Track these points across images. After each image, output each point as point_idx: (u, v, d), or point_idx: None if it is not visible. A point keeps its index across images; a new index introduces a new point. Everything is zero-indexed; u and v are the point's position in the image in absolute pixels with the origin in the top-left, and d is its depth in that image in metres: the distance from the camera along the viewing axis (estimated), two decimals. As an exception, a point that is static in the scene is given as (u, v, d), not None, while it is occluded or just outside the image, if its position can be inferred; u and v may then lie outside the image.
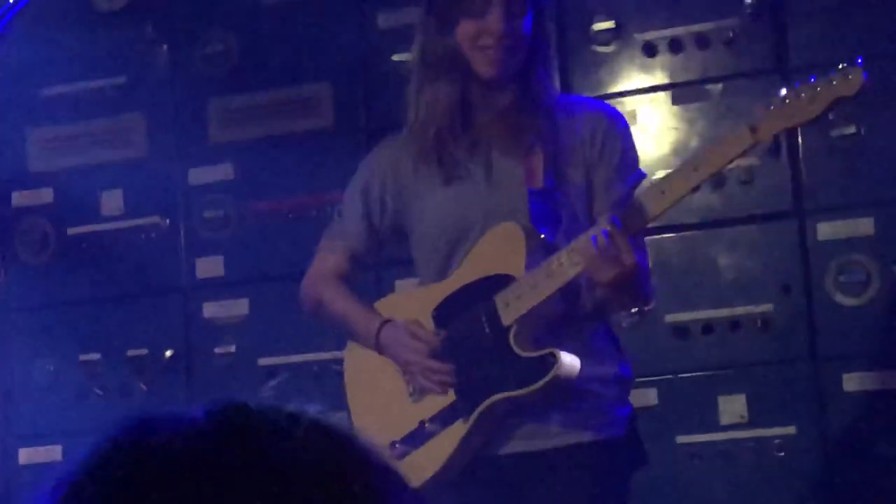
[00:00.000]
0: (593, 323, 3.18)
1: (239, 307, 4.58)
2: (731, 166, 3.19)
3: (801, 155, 4.09)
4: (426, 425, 3.17)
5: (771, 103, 2.93)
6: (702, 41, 4.21)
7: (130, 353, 4.65)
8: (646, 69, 4.28)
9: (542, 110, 3.19)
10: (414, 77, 3.26)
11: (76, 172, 4.79)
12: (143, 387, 4.63)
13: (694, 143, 4.15)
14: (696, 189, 3.06)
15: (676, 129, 4.19)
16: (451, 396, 3.14)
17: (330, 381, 4.45)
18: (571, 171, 3.17)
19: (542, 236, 3.10)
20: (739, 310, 4.09)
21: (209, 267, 4.63)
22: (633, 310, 3.16)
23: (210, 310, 4.61)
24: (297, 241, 4.51)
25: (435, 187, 3.21)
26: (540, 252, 3.08)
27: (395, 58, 4.46)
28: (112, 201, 4.77)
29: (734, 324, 4.09)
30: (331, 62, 4.54)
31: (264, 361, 4.53)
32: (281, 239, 4.54)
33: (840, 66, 2.91)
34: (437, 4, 3.20)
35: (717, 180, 4.10)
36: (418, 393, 3.20)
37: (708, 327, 4.10)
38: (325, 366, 4.45)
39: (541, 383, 3.00)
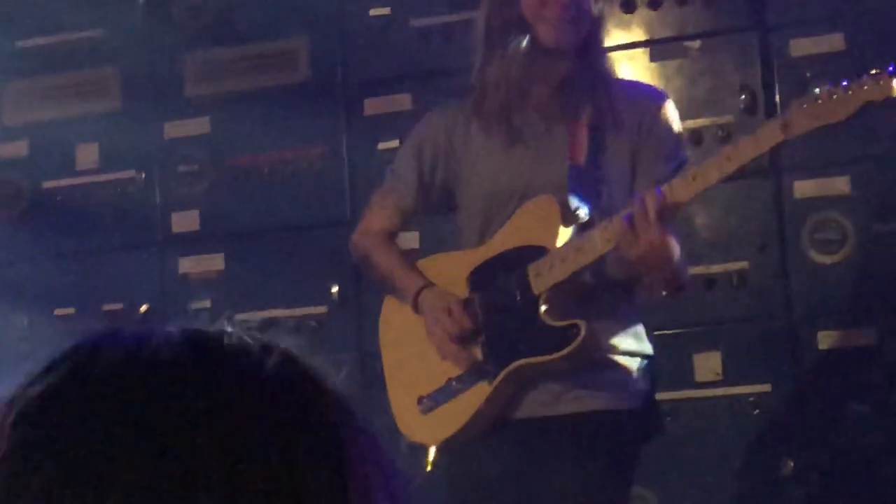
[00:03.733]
0: (622, 298, 3.28)
1: (214, 262, 4.57)
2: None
3: (778, 112, 4.08)
4: (453, 383, 3.29)
5: (804, 101, 3.00)
6: (680, -3, 4.21)
7: (106, 307, 4.64)
8: (623, 25, 4.26)
9: (599, 87, 3.29)
10: (480, 45, 3.34)
11: (51, 125, 4.76)
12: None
13: (672, 99, 4.13)
14: (726, 178, 3.11)
15: (654, 85, 4.17)
16: (479, 357, 3.25)
17: (306, 336, 4.45)
18: (617, 150, 3.27)
19: (578, 211, 3.19)
20: (715, 267, 4.10)
21: (185, 221, 4.62)
22: (663, 292, 3.22)
23: (185, 265, 4.60)
24: (274, 196, 4.51)
25: (484, 153, 3.32)
26: (575, 226, 3.19)
27: (373, 12, 4.44)
28: (87, 155, 4.75)
29: (710, 281, 4.10)
30: (308, 16, 4.52)
31: (240, 317, 4.52)
32: (257, 194, 4.53)
33: (872, 72, 2.96)
34: None
35: (697, 136, 4.11)
36: (448, 350, 3.30)
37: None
38: (301, 321, 4.45)
39: (564, 352, 3.11)
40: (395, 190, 3.48)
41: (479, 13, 3.40)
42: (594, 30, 3.31)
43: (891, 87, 2.93)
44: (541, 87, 3.31)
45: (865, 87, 2.95)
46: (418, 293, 3.34)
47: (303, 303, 4.44)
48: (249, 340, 0.96)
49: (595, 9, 3.30)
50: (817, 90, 3.01)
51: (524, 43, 3.24)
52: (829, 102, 2.96)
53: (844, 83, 2.97)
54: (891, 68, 2.95)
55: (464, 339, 3.26)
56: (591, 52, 3.30)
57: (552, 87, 3.30)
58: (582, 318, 3.13)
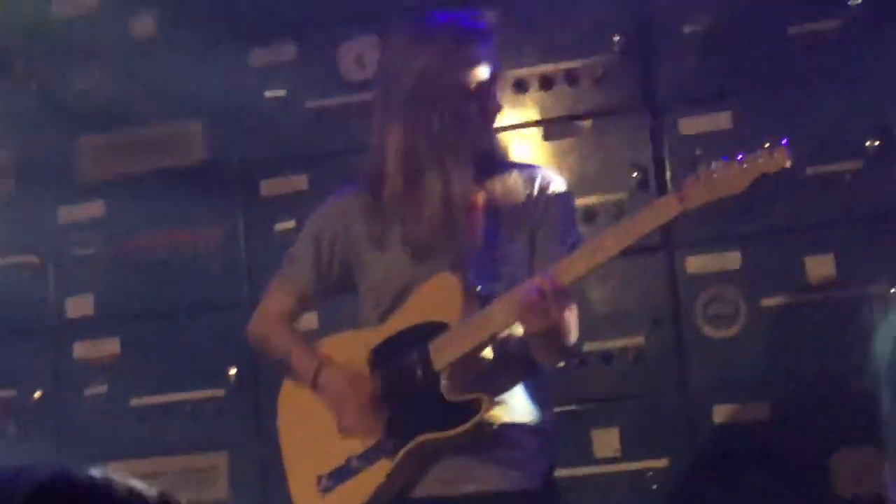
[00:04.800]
0: (523, 372, 3.28)
1: (110, 346, 4.53)
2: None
3: (669, 188, 4.15)
4: (353, 461, 3.27)
5: (700, 174, 3.06)
6: (571, 78, 4.27)
7: (-2, 394, 4.58)
8: (517, 105, 4.31)
9: (491, 169, 3.34)
10: (381, 131, 3.38)
11: (-56, 210, 4.71)
12: (13, 428, 4.54)
13: (565, 177, 4.16)
14: (625, 250, 3.15)
15: (547, 164, 4.21)
16: (378, 435, 3.24)
17: (204, 420, 4.41)
18: (513, 231, 3.30)
19: (479, 288, 3.22)
20: (612, 343, 4.13)
21: (79, 306, 4.57)
22: (559, 362, 3.27)
23: (80, 349, 4.55)
24: (170, 279, 4.48)
25: (382, 246, 3.34)
26: (475, 302, 3.21)
27: (268, 94, 4.46)
28: (-20, 240, 4.69)
29: (607, 357, 4.13)
30: (202, 99, 4.51)
31: (136, 402, 4.47)
32: (153, 277, 4.50)
33: (766, 145, 3.04)
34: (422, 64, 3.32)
35: (590, 213, 4.15)
36: (348, 429, 3.29)
37: (582, 360, 4.12)
38: (198, 405, 4.41)
39: (466, 426, 3.12)
40: (292, 276, 3.49)
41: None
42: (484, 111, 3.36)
43: (783, 159, 3.02)
44: (429, 168, 3.32)
45: (760, 160, 3.02)
46: (317, 372, 3.33)
47: (200, 386, 4.41)
48: (118, 487, 0.96)
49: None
50: (712, 164, 3.07)
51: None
52: (724, 176, 3.03)
53: (739, 157, 3.05)
54: (784, 141, 3.03)
55: (367, 412, 3.25)
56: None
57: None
58: (483, 392, 3.14)
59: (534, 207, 3.32)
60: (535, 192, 3.34)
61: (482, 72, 3.28)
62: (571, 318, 3.17)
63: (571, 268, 3.11)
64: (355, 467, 3.26)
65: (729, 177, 3.03)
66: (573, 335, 3.21)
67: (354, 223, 3.40)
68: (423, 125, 3.26)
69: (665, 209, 3.09)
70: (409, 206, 3.30)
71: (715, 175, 3.04)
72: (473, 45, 3.29)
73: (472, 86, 3.27)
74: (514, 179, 3.35)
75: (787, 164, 3.02)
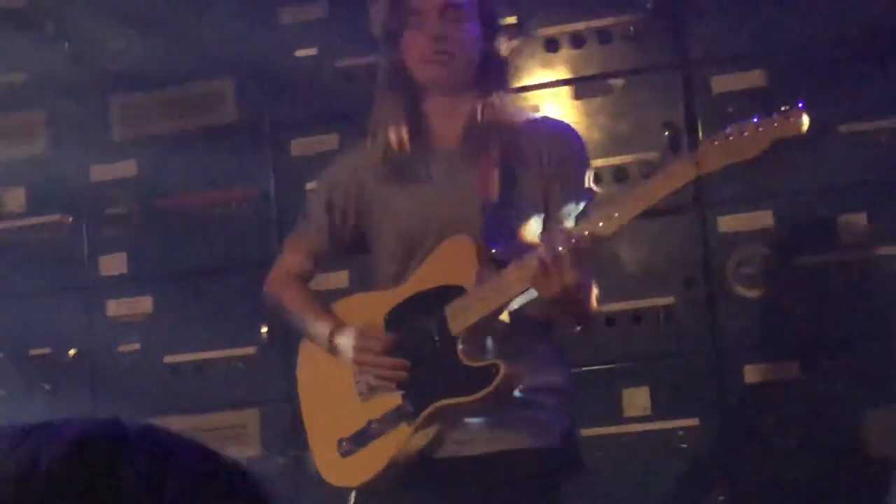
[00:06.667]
0: (539, 335, 3.27)
1: (143, 305, 4.55)
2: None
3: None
4: (372, 425, 3.26)
5: (715, 138, 3.00)
6: (603, 36, 4.25)
7: (34, 351, 4.61)
8: (547, 64, 4.30)
9: (504, 125, 3.30)
10: (377, 93, 3.41)
11: (-24, 170, 4.74)
12: (47, 386, 4.58)
13: (596, 136, 4.18)
14: (638, 216, 3.09)
15: (578, 123, 4.20)
16: (397, 399, 3.23)
17: (235, 377, 4.44)
18: (527, 187, 3.27)
19: (494, 251, 3.19)
20: (642, 303, 4.12)
21: (113, 264, 4.60)
22: (576, 327, 3.25)
23: (114, 307, 4.58)
24: (201, 237, 4.51)
25: (395, 195, 3.32)
26: (491, 265, 3.17)
27: (298, 53, 4.46)
28: (14, 199, 4.72)
29: (637, 317, 4.12)
30: (233, 58, 4.52)
31: (169, 359, 4.50)
32: (184, 236, 4.52)
33: (782, 108, 2.97)
34: (387, 24, 3.38)
35: (622, 172, 4.14)
36: (367, 392, 3.28)
37: (611, 320, 4.12)
38: (230, 362, 4.44)
39: (483, 392, 3.10)
40: (307, 234, 3.48)
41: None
42: (492, 64, 3.34)
43: (800, 124, 2.95)
44: (443, 128, 3.33)
45: (775, 124, 2.96)
46: (332, 334, 3.32)
47: (232, 344, 4.43)
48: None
49: (495, 45, 3.33)
50: (728, 128, 3.02)
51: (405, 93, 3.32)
52: (739, 139, 2.97)
53: (755, 120, 2.98)
54: (800, 104, 2.96)
55: (385, 367, 3.23)
56: (490, 90, 3.31)
57: (457, 128, 3.32)
58: (500, 357, 3.13)
59: (548, 161, 3.29)
60: (548, 145, 3.30)
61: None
62: (588, 282, 3.13)
63: (590, 231, 3.05)
64: (375, 431, 3.25)
65: (743, 141, 2.97)
66: (590, 299, 3.18)
67: (367, 173, 3.38)
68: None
69: (680, 173, 3.03)
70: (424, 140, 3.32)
71: (731, 138, 2.98)
72: None
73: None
74: (529, 136, 3.31)
75: (804, 129, 2.95)
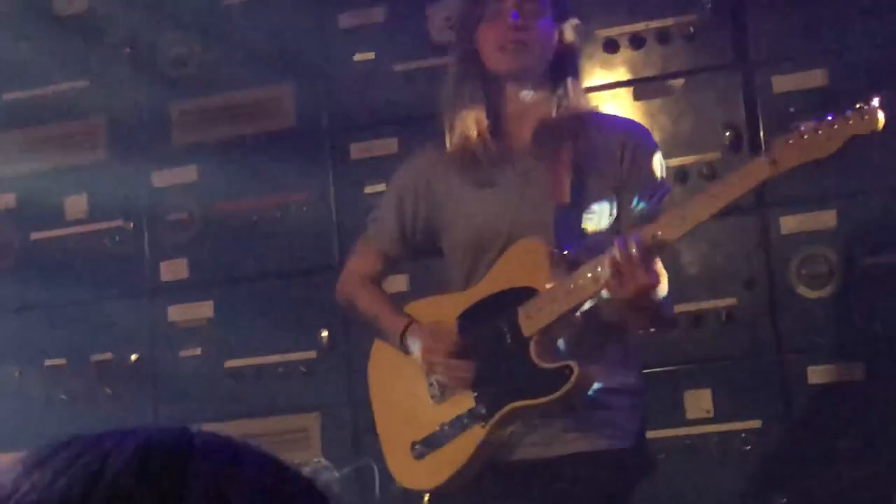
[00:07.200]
0: (611, 337, 3.26)
1: (203, 310, 4.57)
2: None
3: (762, 148, 4.10)
4: (445, 428, 3.26)
5: (789, 137, 2.97)
6: (662, 36, 4.23)
7: (95, 357, 4.64)
8: (607, 65, 4.29)
9: (577, 125, 3.29)
10: (448, 89, 3.39)
11: (39, 177, 4.77)
12: (108, 391, 4.61)
13: (656, 138, 4.13)
14: (714, 216, 3.08)
15: (633, 119, 4.19)
16: (470, 401, 3.23)
17: (296, 382, 4.45)
18: (600, 187, 3.26)
19: (566, 252, 3.18)
20: (703, 304, 4.10)
21: (173, 270, 4.62)
22: (651, 329, 3.23)
23: (175, 313, 4.60)
24: (261, 242, 4.52)
25: (466, 196, 3.32)
26: (563, 267, 3.17)
27: (357, 58, 4.47)
28: (76, 205, 4.75)
29: (698, 318, 4.10)
30: (292, 63, 4.54)
31: (230, 364, 4.52)
32: (245, 240, 4.54)
33: (858, 105, 2.93)
34: (462, 18, 3.41)
35: (682, 173, 4.12)
36: (440, 394, 3.29)
37: (673, 322, 4.09)
38: (291, 366, 4.44)
39: (557, 394, 3.09)
40: (378, 236, 3.49)
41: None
42: (564, 58, 3.33)
43: (876, 121, 2.91)
44: (516, 125, 3.33)
45: (851, 122, 2.92)
46: (404, 332, 3.33)
47: (292, 348, 4.44)
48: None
49: (566, 35, 3.33)
50: (802, 126, 2.98)
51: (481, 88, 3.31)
52: (814, 137, 2.94)
53: (829, 118, 2.94)
54: (875, 102, 2.92)
55: (457, 366, 3.23)
56: (563, 87, 3.31)
57: (529, 126, 3.31)
58: (573, 358, 3.11)
59: (620, 161, 3.27)
60: (620, 144, 3.29)
61: None
62: (662, 285, 3.11)
63: (661, 234, 3.04)
64: (448, 434, 3.25)
65: (819, 139, 2.94)
66: (663, 302, 3.16)
67: (437, 176, 3.38)
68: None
69: (755, 173, 3.01)
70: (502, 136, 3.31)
71: (805, 137, 2.95)
72: None
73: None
74: (600, 133, 3.30)
75: (880, 125, 2.91)
